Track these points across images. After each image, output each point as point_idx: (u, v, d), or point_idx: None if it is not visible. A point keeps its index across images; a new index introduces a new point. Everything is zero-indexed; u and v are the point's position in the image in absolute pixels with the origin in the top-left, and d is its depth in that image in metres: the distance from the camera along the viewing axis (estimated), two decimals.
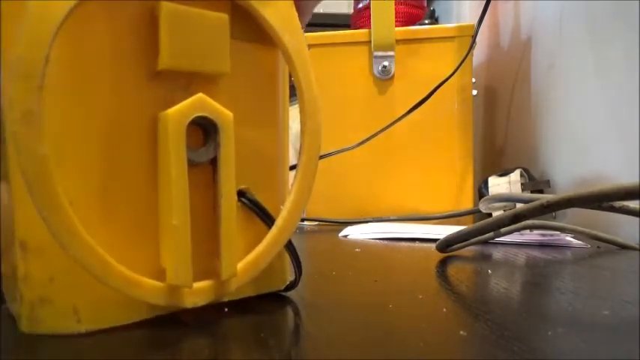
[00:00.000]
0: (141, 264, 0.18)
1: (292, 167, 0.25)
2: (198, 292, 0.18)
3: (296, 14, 0.21)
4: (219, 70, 0.19)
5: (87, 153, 0.17)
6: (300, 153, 0.21)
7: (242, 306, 0.21)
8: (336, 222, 0.60)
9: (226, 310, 0.20)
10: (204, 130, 0.19)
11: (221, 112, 0.19)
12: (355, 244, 0.42)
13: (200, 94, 0.18)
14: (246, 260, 0.20)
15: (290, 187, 0.21)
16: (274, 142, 0.22)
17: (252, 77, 0.21)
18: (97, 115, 0.17)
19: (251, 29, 0.20)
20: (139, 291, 0.17)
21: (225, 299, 0.21)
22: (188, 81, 0.19)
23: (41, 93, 0.15)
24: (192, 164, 0.18)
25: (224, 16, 0.19)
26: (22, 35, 0.14)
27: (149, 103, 0.18)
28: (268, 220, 0.21)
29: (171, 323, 0.18)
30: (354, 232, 0.48)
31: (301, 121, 0.21)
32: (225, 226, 0.19)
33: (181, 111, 0.18)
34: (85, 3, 0.16)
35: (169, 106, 0.18)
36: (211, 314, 0.19)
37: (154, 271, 0.18)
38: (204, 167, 0.19)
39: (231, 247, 0.19)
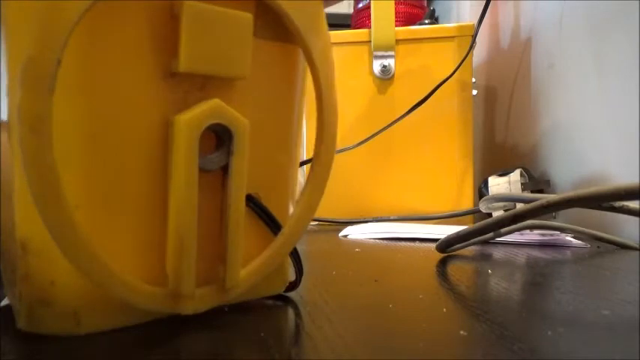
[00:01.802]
0: (144, 269, 0.17)
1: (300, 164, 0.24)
2: (199, 299, 0.18)
3: (324, 15, 0.20)
4: (238, 73, 0.18)
5: (95, 156, 0.16)
6: (312, 162, 0.20)
7: (242, 306, 0.21)
8: (336, 222, 0.60)
9: (226, 310, 0.20)
10: (216, 134, 0.18)
11: (237, 118, 0.18)
12: (355, 244, 0.42)
13: (216, 100, 0.17)
14: (250, 267, 0.20)
15: (299, 195, 0.21)
16: (287, 147, 0.21)
17: (270, 78, 0.20)
18: (107, 117, 0.16)
19: (274, 28, 0.19)
20: (141, 298, 0.17)
21: (237, 301, 0.20)
22: (204, 81, 0.18)
23: (51, 98, 0.14)
24: (203, 170, 0.18)
25: (248, 16, 0.18)
26: (33, 36, 0.14)
27: (162, 104, 0.17)
28: (275, 227, 0.21)
29: (171, 323, 0.18)
30: (354, 232, 0.48)
31: (317, 128, 0.20)
32: (232, 236, 0.18)
33: (196, 117, 0.17)
34: (99, 3, 0.15)
35: (183, 108, 0.17)
36: (211, 314, 0.19)
37: (157, 276, 0.18)
38: (215, 173, 0.18)
39: (237, 256, 0.19)
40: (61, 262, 0.16)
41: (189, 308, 0.18)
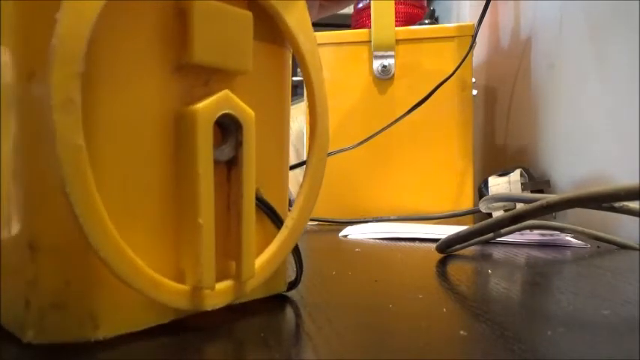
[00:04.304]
0: (159, 265, 0.17)
1: (292, 167, 0.25)
2: (218, 294, 0.18)
3: (309, 15, 0.21)
4: (242, 67, 0.19)
5: (106, 148, 0.16)
6: (308, 153, 0.21)
7: (242, 306, 0.21)
8: (336, 222, 0.60)
9: (227, 310, 0.20)
10: (222, 128, 0.19)
11: (244, 109, 0.19)
12: (355, 244, 0.42)
13: (226, 91, 0.18)
14: (261, 261, 0.20)
15: (299, 187, 0.21)
16: (281, 143, 0.22)
17: (264, 76, 0.21)
18: (116, 110, 0.16)
19: (264, 28, 0.20)
20: (164, 294, 0.17)
21: (240, 301, 0.20)
22: (208, 77, 0.19)
23: (80, 80, 0.14)
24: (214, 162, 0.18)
25: (249, 14, 0.19)
26: (63, 16, 0.14)
27: (169, 98, 0.18)
28: (278, 221, 0.21)
29: (171, 324, 0.18)
30: (354, 232, 0.48)
31: (310, 122, 0.21)
32: (246, 227, 0.19)
33: (209, 107, 0.17)
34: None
35: (189, 101, 0.18)
36: (211, 315, 0.19)
37: (170, 272, 0.17)
38: (220, 167, 0.19)
39: (251, 248, 0.19)
40: (78, 259, 0.15)
41: (208, 304, 0.18)
